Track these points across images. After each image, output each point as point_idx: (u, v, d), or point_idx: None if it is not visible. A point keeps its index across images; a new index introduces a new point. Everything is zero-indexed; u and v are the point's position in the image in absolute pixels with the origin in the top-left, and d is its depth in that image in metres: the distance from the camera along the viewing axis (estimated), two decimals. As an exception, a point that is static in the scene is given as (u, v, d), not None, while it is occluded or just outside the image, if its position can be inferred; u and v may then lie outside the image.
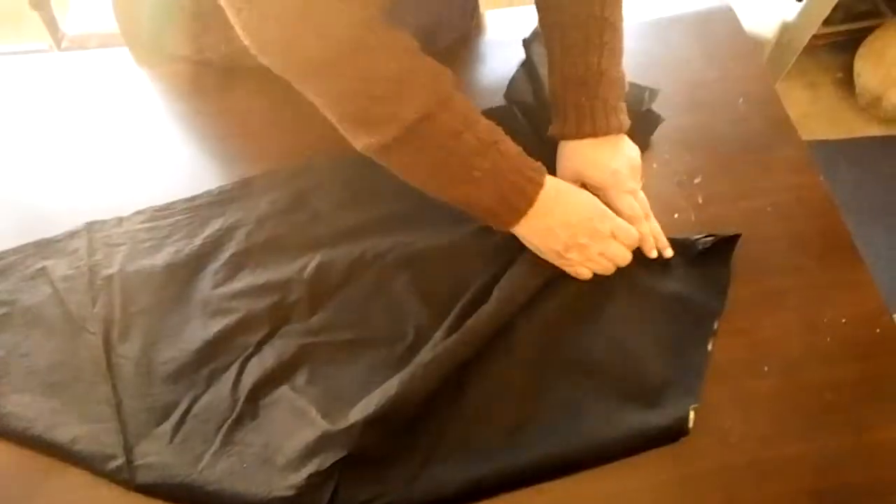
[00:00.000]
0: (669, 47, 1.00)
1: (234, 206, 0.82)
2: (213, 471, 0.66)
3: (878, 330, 0.78)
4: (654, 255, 0.79)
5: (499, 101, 0.93)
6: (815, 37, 1.76)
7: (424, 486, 0.66)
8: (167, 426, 0.68)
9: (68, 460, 0.67)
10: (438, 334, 0.72)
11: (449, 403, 0.70)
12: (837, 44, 2.11)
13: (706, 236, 0.80)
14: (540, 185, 0.73)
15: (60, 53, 1.34)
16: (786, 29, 1.63)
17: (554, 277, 0.77)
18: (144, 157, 0.87)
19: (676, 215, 0.85)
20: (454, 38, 1.00)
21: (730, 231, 0.80)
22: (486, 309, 0.72)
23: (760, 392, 0.73)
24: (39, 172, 0.86)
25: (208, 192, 0.83)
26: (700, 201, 0.86)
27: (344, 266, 0.77)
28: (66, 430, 0.68)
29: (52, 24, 1.35)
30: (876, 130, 2.00)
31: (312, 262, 0.77)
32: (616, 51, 0.80)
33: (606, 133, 0.79)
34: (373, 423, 0.65)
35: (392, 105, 0.67)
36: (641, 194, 0.81)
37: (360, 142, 0.70)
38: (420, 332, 0.74)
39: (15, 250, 0.79)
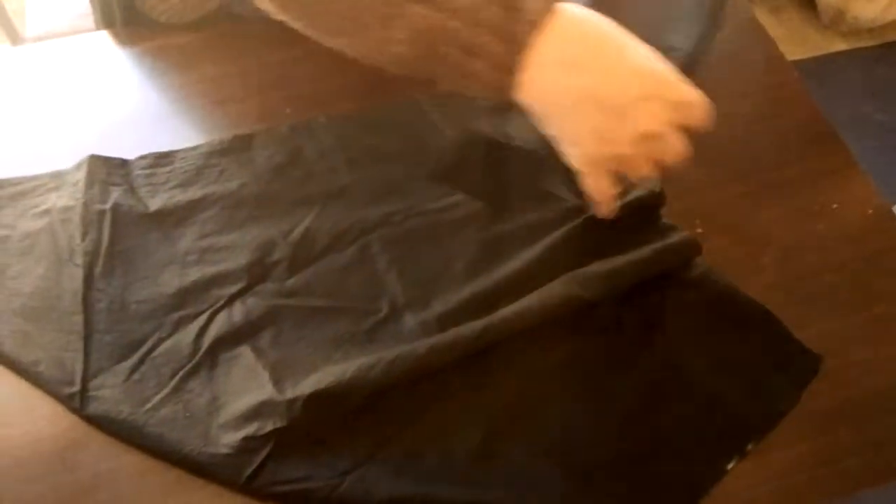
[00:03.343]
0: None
1: (230, 158, 0.82)
2: (157, 413, 0.66)
3: (870, 211, 0.79)
4: None
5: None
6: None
7: (351, 485, 0.63)
8: (128, 364, 0.69)
9: (30, 381, 0.69)
10: (411, 318, 0.71)
11: (409, 411, 0.67)
12: (796, -36, 2.12)
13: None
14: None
15: (27, 45, 1.32)
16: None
17: (572, 318, 0.69)
18: (122, 133, 0.86)
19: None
20: None
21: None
22: (476, 325, 0.68)
23: (762, 283, 0.74)
24: (30, 154, 0.85)
25: (208, 143, 0.83)
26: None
27: (330, 235, 0.77)
28: (32, 352, 0.69)
29: (9, 28, 1.34)
30: (841, 45, 2.02)
31: (300, 226, 0.77)
32: None
33: None
34: (316, 401, 0.64)
35: None
36: None
37: None
38: (394, 307, 0.73)
39: (32, 178, 0.80)
